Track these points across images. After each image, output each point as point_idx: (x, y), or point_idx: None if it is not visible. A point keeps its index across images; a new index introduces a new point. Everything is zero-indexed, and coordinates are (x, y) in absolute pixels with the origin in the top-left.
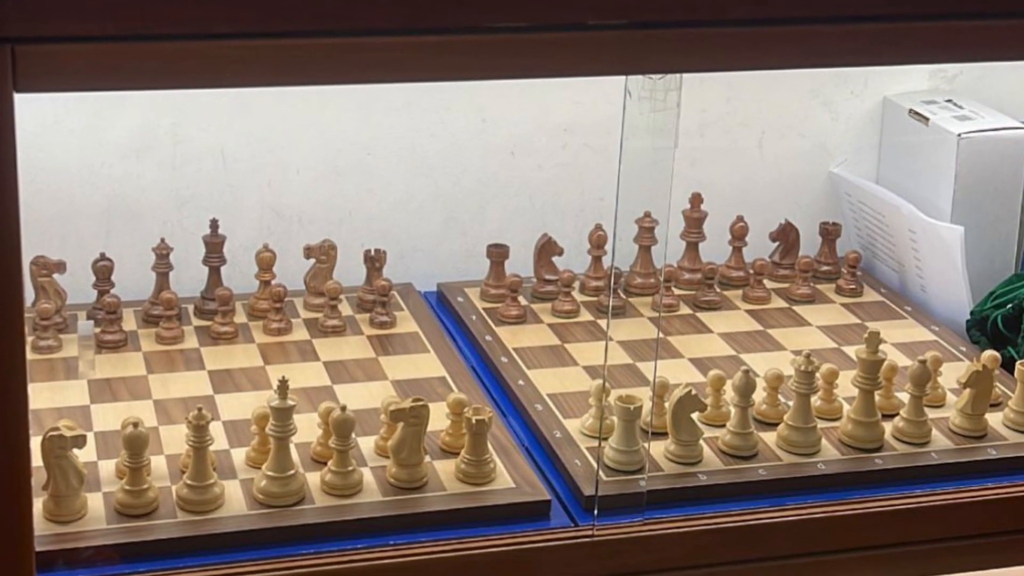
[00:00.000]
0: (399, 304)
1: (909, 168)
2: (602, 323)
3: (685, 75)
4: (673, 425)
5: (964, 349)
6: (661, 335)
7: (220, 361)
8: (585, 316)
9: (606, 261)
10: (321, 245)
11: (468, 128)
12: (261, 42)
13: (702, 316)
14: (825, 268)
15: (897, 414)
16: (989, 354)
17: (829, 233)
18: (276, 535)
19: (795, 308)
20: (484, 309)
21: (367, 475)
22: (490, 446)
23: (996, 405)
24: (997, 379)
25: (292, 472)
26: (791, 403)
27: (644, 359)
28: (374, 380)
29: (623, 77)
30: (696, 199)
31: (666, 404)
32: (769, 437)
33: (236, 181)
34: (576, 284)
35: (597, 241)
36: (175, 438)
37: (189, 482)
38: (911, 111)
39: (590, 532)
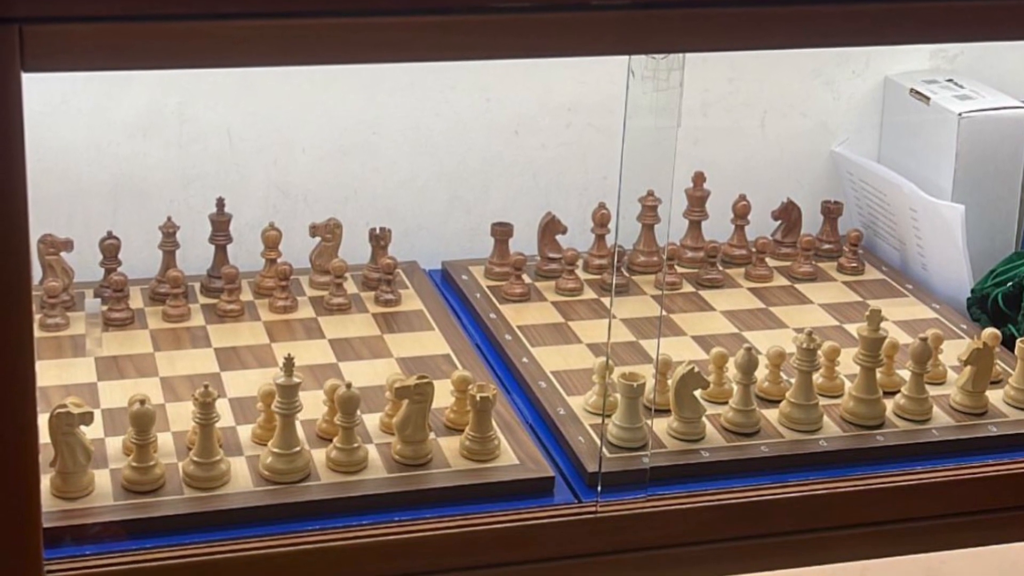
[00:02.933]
0: (404, 282)
1: (910, 147)
2: (605, 301)
3: (688, 55)
4: (676, 402)
5: (965, 327)
6: (664, 313)
7: (226, 339)
8: (588, 294)
9: (609, 239)
10: (326, 223)
11: (472, 108)
12: (267, 22)
13: (704, 294)
14: (827, 246)
15: (898, 391)
16: (990, 332)
17: (831, 212)
18: (282, 511)
19: (797, 286)
20: (488, 287)
21: (372, 452)
22: (494, 423)
23: (996, 382)
24: (997, 356)
25: (297, 449)
26: (793, 380)
27: (647, 337)
28: (379, 358)
29: (626, 57)
30: (699, 178)
31: (669, 381)
32: (771, 414)
33: (242, 160)
34: (579, 262)
35: (600, 219)
36: (182, 415)
37: (195, 459)
38: (912, 90)
39: (593, 508)
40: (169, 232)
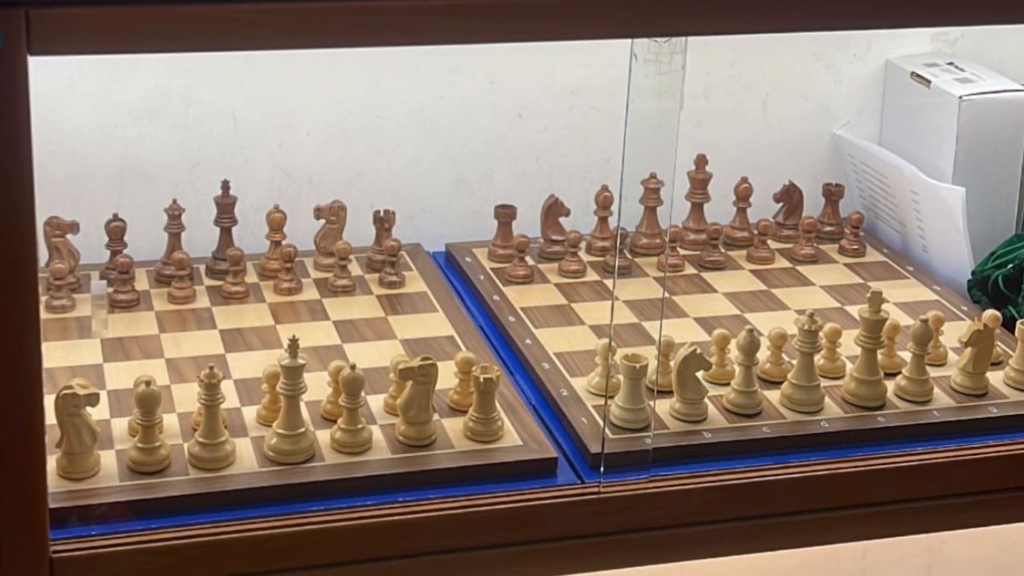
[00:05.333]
0: (408, 264)
1: (911, 130)
2: (608, 283)
3: (690, 38)
4: (678, 383)
5: (965, 308)
6: (666, 295)
7: (231, 320)
8: (591, 276)
9: (612, 222)
10: (331, 206)
11: (476, 91)
12: (272, 5)
13: (707, 276)
14: (828, 229)
15: (899, 372)
16: (990, 313)
17: (832, 194)
18: (286, 492)
19: (799, 268)
20: (492, 269)
21: (376, 433)
22: (498, 404)
23: (997, 364)
24: (998, 338)
25: (302, 430)
26: (795, 362)
27: (650, 318)
28: (383, 339)
29: (629, 40)
30: (701, 160)
31: (671, 363)
32: (773, 395)
33: (247, 143)
34: (582, 244)
35: (603, 202)
36: (187, 396)
37: (201, 440)
38: (913, 74)
39: (596, 489)
40: (174, 214)
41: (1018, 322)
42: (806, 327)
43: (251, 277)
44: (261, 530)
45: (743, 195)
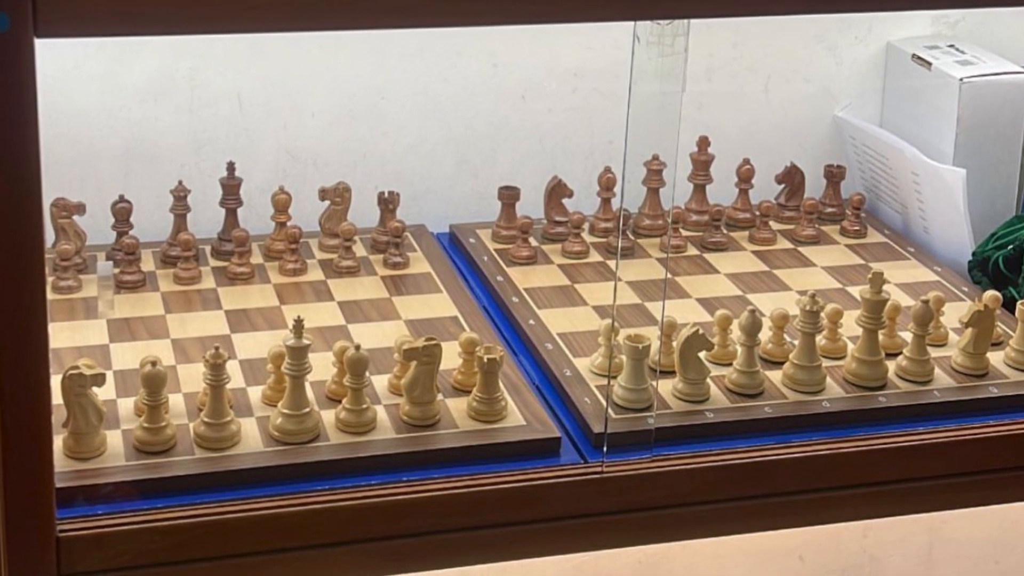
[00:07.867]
0: (412, 245)
1: (912, 112)
2: (611, 264)
3: (693, 21)
4: (681, 364)
5: (966, 289)
6: (669, 275)
7: (237, 301)
8: (594, 257)
9: (615, 203)
10: (336, 187)
11: (480, 73)
12: None
13: (709, 257)
14: (830, 210)
15: (900, 353)
16: (990, 294)
17: (834, 176)
18: (291, 472)
19: (800, 249)
20: (495, 250)
21: (381, 413)
22: (501, 384)
23: (997, 344)
24: (998, 319)
25: (307, 410)
26: (796, 342)
27: (652, 299)
28: (388, 320)
29: (632, 23)
30: (703, 142)
31: (674, 343)
32: (775, 375)
33: (252, 124)
34: (585, 225)
35: (606, 183)
36: (192, 376)
37: (206, 420)
38: (914, 56)
39: (599, 469)
40: (180, 196)
41: (1018, 303)
42: (808, 308)
43: (256, 258)
44: (266, 510)
45: (745, 176)
